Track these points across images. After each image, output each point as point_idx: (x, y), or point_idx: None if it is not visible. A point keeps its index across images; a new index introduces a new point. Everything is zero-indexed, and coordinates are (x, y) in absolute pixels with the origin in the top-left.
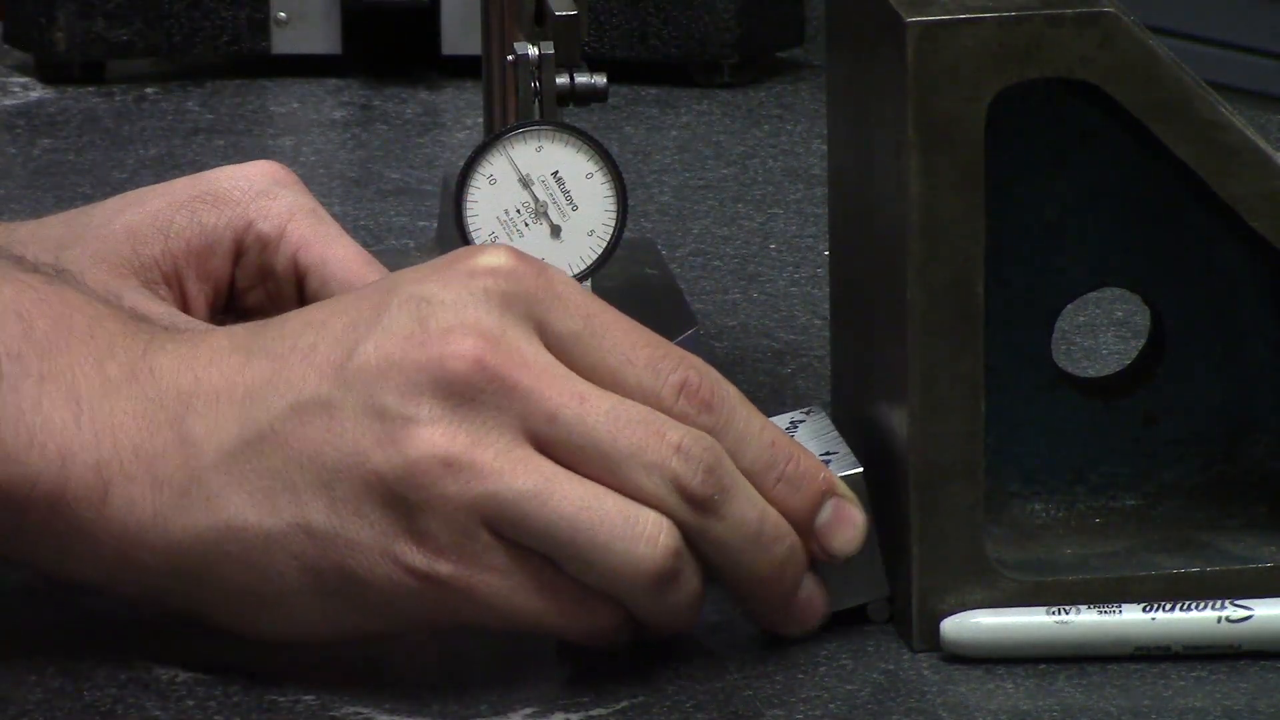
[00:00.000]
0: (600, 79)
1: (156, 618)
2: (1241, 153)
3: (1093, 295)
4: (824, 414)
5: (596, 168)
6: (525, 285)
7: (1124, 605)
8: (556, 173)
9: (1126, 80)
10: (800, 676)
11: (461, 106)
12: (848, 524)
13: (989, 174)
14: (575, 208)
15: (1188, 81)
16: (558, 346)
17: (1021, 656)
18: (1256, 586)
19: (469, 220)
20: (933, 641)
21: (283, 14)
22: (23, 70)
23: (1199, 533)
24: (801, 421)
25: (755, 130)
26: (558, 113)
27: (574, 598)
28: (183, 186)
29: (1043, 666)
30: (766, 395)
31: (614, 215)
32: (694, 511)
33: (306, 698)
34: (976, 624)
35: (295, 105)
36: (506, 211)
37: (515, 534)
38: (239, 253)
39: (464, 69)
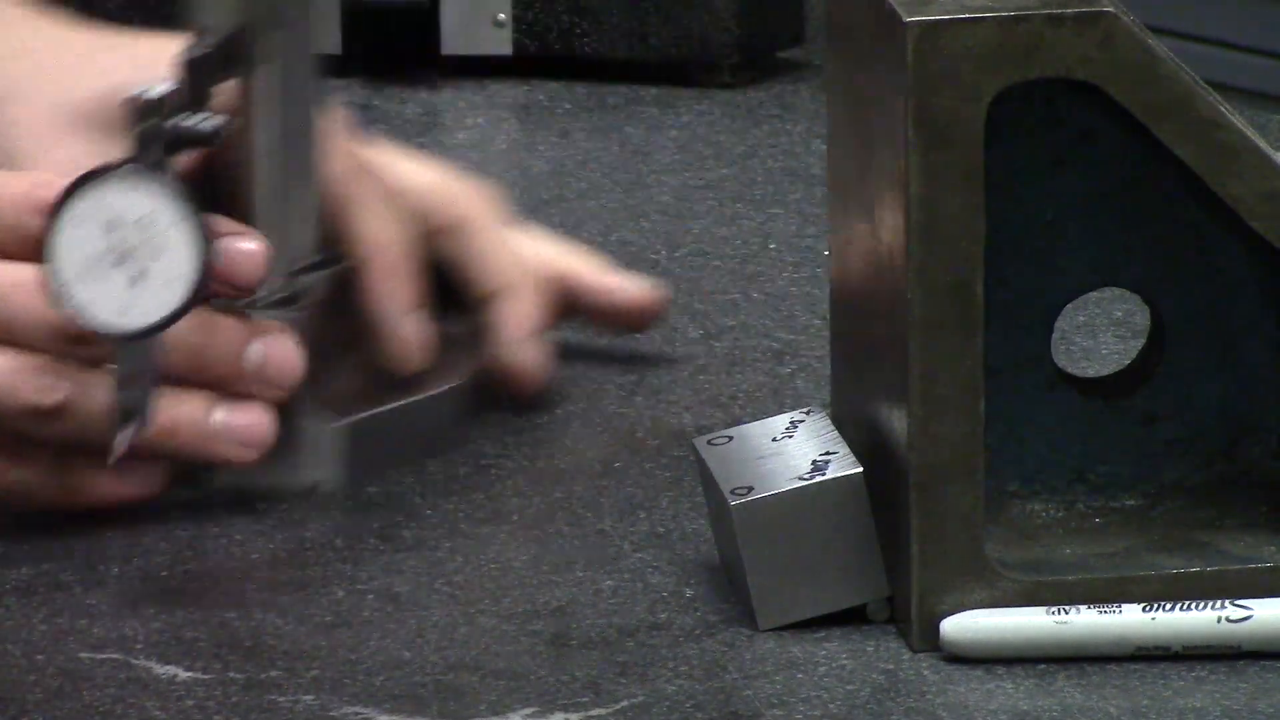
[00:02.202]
0: (211, 122)
1: (156, 617)
2: (1241, 153)
3: (1093, 295)
4: (824, 414)
5: (182, 218)
6: None
7: (1124, 605)
8: (141, 219)
9: (1126, 80)
10: (800, 676)
11: (461, 107)
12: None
13: (989, 174)
14: (157, 257)
15: (1188, 81)
16: None
17: (1021, 656)
18: (1256, 586)
19: (56, 261)
20: (933, 641)
21: None
22: None
23: (1199, 533)
24: (801, 421)
25: (755, 130)
26: (163, 157)
27: None
28: None
29: (1043, 666)
30: (766, 395)
31: (196, 268)
32: None
33: (306, 698)
34: (976, 624)
35: None
36: (87, 256)
37: None
38: None
39: (464, 69)
